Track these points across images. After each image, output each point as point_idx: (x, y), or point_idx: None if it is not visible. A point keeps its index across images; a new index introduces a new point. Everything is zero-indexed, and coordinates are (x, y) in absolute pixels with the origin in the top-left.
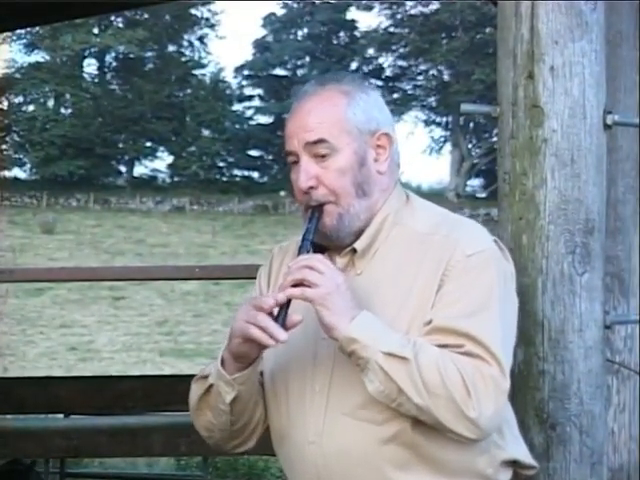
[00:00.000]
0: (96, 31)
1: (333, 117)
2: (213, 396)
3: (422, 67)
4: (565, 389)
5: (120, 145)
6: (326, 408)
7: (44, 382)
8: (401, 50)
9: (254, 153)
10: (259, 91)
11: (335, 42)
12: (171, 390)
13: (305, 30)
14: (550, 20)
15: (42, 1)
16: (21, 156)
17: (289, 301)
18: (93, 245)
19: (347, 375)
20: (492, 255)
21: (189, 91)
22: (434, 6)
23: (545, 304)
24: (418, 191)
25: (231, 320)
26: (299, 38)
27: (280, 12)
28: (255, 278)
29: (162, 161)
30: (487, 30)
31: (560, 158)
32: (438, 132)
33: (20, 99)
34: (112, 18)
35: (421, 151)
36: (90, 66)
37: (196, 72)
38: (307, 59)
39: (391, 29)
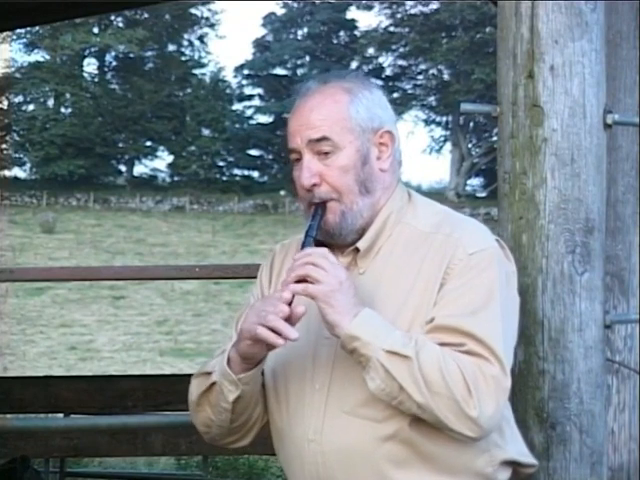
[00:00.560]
0: (96, 31)
1: (336, 114)
2: (215, 394)
3: (422, 66)
4: (565, 389)
5: (120, 144)
6: (326, 406)
7: (44, 382)
8: (401, 49)
9: (254, 153)
10: (259, 91)
11: (335, 41)
12: (171, 390)
13: (305, 30)
14: (550, 20)
15: (42, 1)
16: (21, 156)
17: (292, 296)
18: (93, 244)
19: (347, 373)
20: (494, 254)
21: (189, 91)
22: (434, 6)
23: (545, 303)
24: (418, 190)
25: (232, 321)
26: (299, 38)
27: (280, 12)
28: (255, 277)
29: (162, 160)
30: (487, 30)
31: (560, 158)
32: (438, 132)
33: (20, 99)
34: (112, 18)
35: (421, 151)
36: (90, 66)
37: (196, 72)
38: (307, 59)
39: (391, 28)
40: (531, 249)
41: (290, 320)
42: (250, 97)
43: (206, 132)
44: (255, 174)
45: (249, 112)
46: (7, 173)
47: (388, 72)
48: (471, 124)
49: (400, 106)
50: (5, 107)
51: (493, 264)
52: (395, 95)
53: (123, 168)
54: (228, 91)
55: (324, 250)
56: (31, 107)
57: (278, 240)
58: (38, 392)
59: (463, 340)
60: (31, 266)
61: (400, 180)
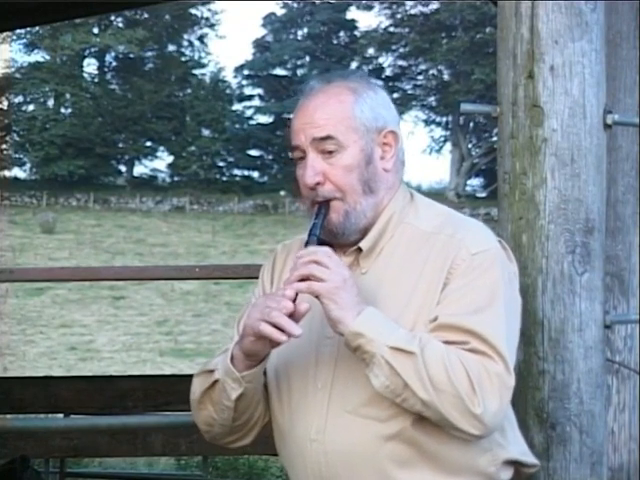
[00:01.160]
0: (96, 31)
1: (340, 114)
2: (217, 392)
3: (422, 67)
4: (565, 389)
5: (120, 145)
6: (328, 405)
7: (44, 382)
8: (401, 50)
9: (254, 153)
10: (259, 91)
11: (335, 42)
12: (171, 390)
13: (305, 30)
14: (550, 20)
15: (42, 1)
16: (21, 156)
17: (295, 294)
18: (93, 245)
19: (350, 372)
20: (496, 254)
21: (189, 91)
22: (434, 6)
23: (545, 304)
24: (418, 191)
25: (232, 321)
26: (299, 38)
27: (280, 12)
28: (255, 278)
29: (162, 161)
30: (487, 30)
31: (560, 158)
32: (438, 132)
33: (20, 99)
34: (112, 18)
35: (421, 151)
36: (90, 66)
37: (196, 72)
38: (307, 59)
39: (391, 29)
40: (531, 249)
41: (294, 317)
42: (250, 97)
43: (206, 132)
44: (255, 174)
45: (249, 112)
46: (7, 173)
47: (388, 72)
48: (471, 124)
49: (400, 106)
50: (5, 107)
51: (496, 264)
52: (395, 95)
53: (123, 168)
54: (228, 91)
55: (327, 249)
56: (31, 107)
57: (278, 240)
58: (38, 392)
59: (467, 338)
60: (31, 266)
61: (402, 180)
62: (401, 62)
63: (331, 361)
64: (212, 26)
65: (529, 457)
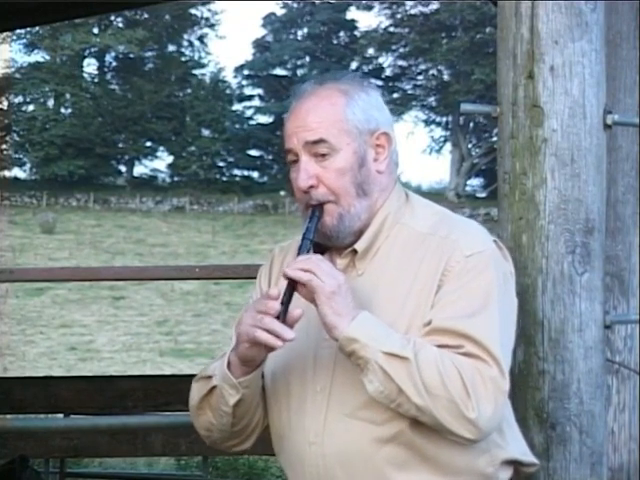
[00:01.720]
0: (96, 31)
1: (333, 117)
2: (216, 397)
3: (422, 67)
4: (565, 389)
5: (120, 145)
6: (327, 408)
7: (44, 382)
8: (401, 50)
9: (254, 153)
10: (259, 91)
11: (335, 42)
12: (171, 390)
13: (305, 30)
14: (550, 20)
15: (42, 1)
16: (21, 156)
17: (290, 299)
18: (93, 245)
19: (348, 375)
20: (491, 255)
21: (189, 91)
22: (434, 6)
23: (545, 304)
24: (418, 191)
25: (232, 321)
26: (299, 38)
27: (280, 12)
28: (255, 278)
29: (162, 161)
30: (487, 30)
31: (560, 158)
32: (438, 132)
33: (20, 99)
34: (112, 18)
35: (421, 151)
36: (90, 66)
37: (196, 72)
38: (307, 59)
39: (391, 29)
40: (531, 249)
41: (287, 322)
42: (250, 97)
43: (206, 132)
44: (255, 174)
45: (249, 112)
46: (7, 173)
47: (388, 72)
48: (471, 124)
49: (400, 106)
50: (5, 107)
51: (490, 266)
52: (395, 95)
53: (123, 168)
54: (228, 91)
55: (319, 256)
56: (31, 107)
57: (278, 240)
58: (38, 392)
59: (461, 342)
60: (31, 266)
61: (397, 181)
62: (401, 62)
63: (330, 364)
64: (212, 26)
65: (528, 456)
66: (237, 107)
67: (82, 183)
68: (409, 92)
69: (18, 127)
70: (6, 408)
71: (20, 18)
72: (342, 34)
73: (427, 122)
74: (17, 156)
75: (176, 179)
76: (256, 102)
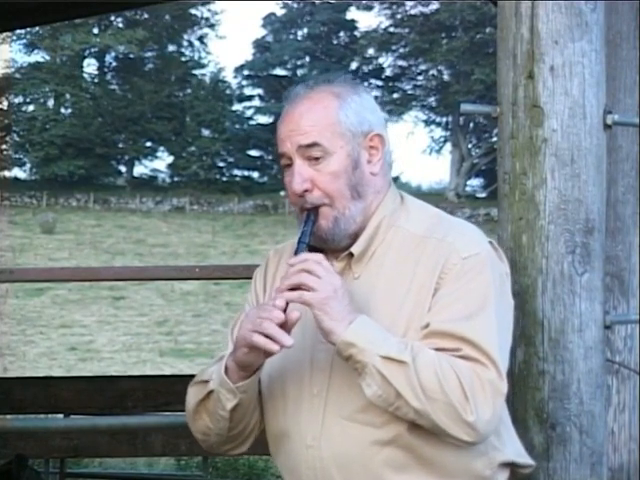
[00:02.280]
0: (96, 31)
1: (325, 120)
2: (212, 402)
3: (422, 67)
4: (565, 389)
5: (120, 145)
6: (324, 412)
7: (44, 382)
8: (401, 50)
9: (254, 153)
10: (259, 91)
11: (335, 42)
12: (171, 390)
13: (305, 30)
14: (550, 20)
15: (42, 1)
16: (21, 156)
17: (286, 303)
18: (93, 245)
19: (345, 378)
20: (487, 257)
21: (189, 91)
22: (434, 6)
23: (545, 304)
24: (418, 191)
25: (231, 322)
26: (299, 38)
27: (280, 12)
28: None
29: (162, 161)
30: (487, 30)
31: (560, 158)
32: (438, 132)
33: (20, 99)
34: (112, 18)
35: (421, 151)
36: (90, 66)
37: (196, 72)
38: (307, 59)
39: (391, 29)
40: (531, 249)
41: (285, 326)
42: (250, 98)
43: (206, 132)
44: (255, 175)
45: (249, 113)
46: (7, 174)
47: (388, 72)
48: (471, 125)
49: (400, 107)
50: (5, 107)
51: (487, 268)
52: (395, 95)
53: (123, 169)
54: (228, 92)
55: (319, 256)
56: (31, 107)
57: (278, 240)
58: (38, 392)
59: (459, 345)
60: (31, 267)
61: (391, 183)
62: (401, 62)
63: (326, 367)
64: (212, 26)
65: (524, 458)
66: (237, 107)
67: (82, 183)
68: (409, 92)
69: (18, 127)
70: (6, 408)
71: (20, 18)
72: (342, 34)
73: (427, 122)
74: (17, 156)
75: (176, 179)
76: (256, 102)
